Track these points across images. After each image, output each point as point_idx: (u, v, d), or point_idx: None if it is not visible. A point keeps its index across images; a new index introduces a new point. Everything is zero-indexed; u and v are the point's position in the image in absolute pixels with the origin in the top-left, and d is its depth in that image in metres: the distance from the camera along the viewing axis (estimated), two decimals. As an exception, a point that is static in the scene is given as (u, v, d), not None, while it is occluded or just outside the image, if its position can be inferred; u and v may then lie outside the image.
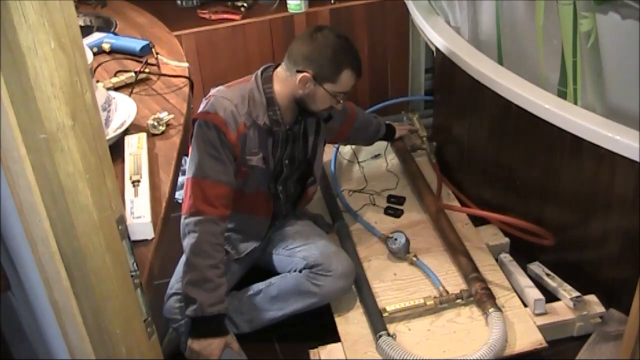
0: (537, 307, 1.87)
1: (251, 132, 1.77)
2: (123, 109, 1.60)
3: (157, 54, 1.96)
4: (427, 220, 2.24)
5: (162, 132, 1.61)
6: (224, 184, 1.74)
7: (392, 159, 2.56)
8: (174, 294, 1.79)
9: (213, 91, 1.82)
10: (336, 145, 2.54)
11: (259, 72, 1.83)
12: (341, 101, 1.83)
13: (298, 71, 1.75)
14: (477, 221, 2.22)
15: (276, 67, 1.83)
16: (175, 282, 1.82)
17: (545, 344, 1.77)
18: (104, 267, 0.85)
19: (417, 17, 2.52)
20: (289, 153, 1.88)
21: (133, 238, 1.02)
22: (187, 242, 1.71)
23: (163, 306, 1.81)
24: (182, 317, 1.75)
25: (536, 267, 2.05)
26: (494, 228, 2.21)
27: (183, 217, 1.74)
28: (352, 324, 1.87)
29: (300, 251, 1.91)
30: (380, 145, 2.52)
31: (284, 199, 1.96)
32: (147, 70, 1.89)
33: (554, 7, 1.86)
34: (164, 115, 1.63)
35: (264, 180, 1.87)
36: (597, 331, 1.84)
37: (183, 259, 1.89)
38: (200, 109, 1.78)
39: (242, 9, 2.70)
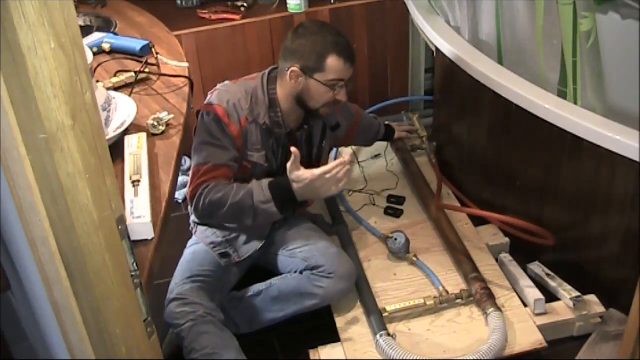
0: (537, 307, 1.87)
1: (253, 128, 1.79)
2: (123, 109, 1.60)
3: (157, 53, 1.96)
4: (427, 220, 2.24)
5: (162, 132, 1.61)
6: (225, 165, 1.77)
7: (392, 159, 2.56)
8: (174, 299, 1.75)
9: (219, 85, 1.85)
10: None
11: (266, 71, 1.84)
12: (343, 91, 1.80)
13: (288, 68, 1.77)
14: (477, 221, 2.22)
15: None
16: (175, 287, 1.78)
17: (545, 344, 1.77)
18: (104, 267, 0.85)
19: (417, 17, 2.52)
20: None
21: (133, 238, 1.02)
22: (205, 207, 1.75)
23: (165, 309, 1.78)
24: (183, 322, 1.71)
25: (536, 267, 2.05)
26: (494, 228, 2.21)
27: (189, 206, 1.81)
28: (352, 324, 1.87)
29: (301, 252, 1.90)
30: (380, 145, 2.52)
31: None
32: (147, 70, 1.89)
33: (554, 7, 1.86)
34: (164, 115, 1.63)
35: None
36: (597, 331, 1.84)
37: (183, 259, 1.89)
38: (205, 102, 1.82)
39: (242, 9, 2.70)
